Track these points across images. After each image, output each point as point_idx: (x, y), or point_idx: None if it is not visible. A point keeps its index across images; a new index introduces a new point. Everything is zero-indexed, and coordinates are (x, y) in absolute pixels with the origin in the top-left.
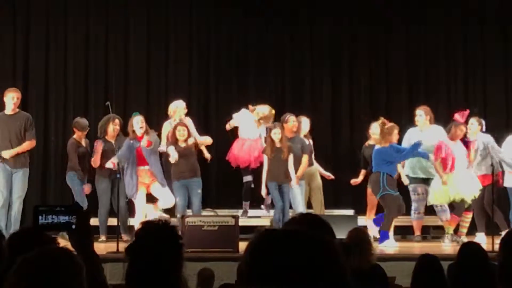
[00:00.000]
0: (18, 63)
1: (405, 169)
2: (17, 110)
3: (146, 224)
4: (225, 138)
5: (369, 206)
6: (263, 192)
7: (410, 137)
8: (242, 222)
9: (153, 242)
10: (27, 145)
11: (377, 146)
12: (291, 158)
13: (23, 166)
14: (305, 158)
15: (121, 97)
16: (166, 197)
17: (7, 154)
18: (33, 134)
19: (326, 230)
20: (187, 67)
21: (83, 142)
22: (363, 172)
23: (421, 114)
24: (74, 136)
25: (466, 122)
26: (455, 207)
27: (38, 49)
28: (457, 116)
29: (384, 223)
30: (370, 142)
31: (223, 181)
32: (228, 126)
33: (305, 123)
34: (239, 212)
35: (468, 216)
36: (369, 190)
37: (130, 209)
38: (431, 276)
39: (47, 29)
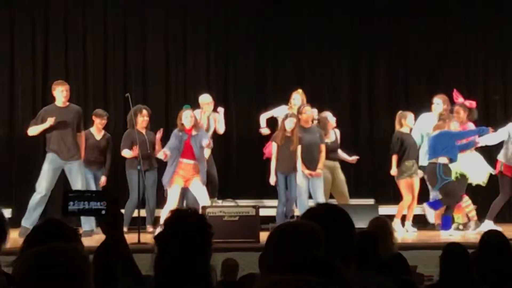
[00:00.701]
0: (37, 57)
1: (420, 158)
2: (68, 103)
3: (176, 213)
4: (245, 130)
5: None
6: (272, 180)
7: (422, 122)
8: (263, 212)
9: (183, 230)
10: (83, 138)
11: (434, 133)
12: (299, 149)
13: (78, 158)
14: (323, 148)
15: (140, 89)
16: (203, 197)
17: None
18: (82, 126)
19: (344, 220)
20: (205, 57)
21: (100, 135)
22: (395, 157)
23: (439, 103)
24: (91, 128)
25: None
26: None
27: (57, 42)
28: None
29: (448, 211)
30: (403, 130)
31: (244, 171)
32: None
33: (331, 118)
34: (260, 202)
35: (465, 200)
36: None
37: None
38: (458, 265)
39: (65, 22)
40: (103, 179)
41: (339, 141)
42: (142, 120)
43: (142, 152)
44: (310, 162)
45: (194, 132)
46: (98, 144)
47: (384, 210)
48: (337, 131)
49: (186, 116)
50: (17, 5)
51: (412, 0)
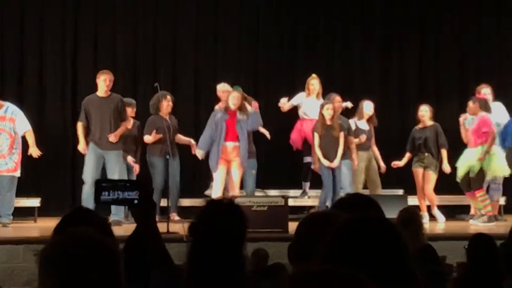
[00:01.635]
0: (67, 45)
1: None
2: (109, 92)
3: (211, 203)
4: (273, 120)
5: (419, 187)
6: (315, 166)
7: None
8: (292, 202)
9: (218, 221)
10: (125, 125)
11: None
12: (341, 137)
13: (116, 149)
14: (351, 140)
15: (170, 79)
16: (234, 183)
17: (113, 137)
18: (126, 115)
19: (375, 210)
20: (236, 48)
21: (131, 124)
22: (408, 155)
23: (489, 92)
24: None
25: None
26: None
27: (87, 32)
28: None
29: None
30: (420, 125)
31: (272, 161)
32: (283, 103)
33: (367, 107)
34: (290, 192)
35: (480, 194)
36: (416, 170)
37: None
38: (485, 256)
39: (96, 14)
40: (136, 167)
41: (372, 132)
42: (167, 105)
43: (165, 138)
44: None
45: (240, 116)
46: (129, 133)
47: (413, 200)
48: (372, 126)
49: (233, 97)
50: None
51: None
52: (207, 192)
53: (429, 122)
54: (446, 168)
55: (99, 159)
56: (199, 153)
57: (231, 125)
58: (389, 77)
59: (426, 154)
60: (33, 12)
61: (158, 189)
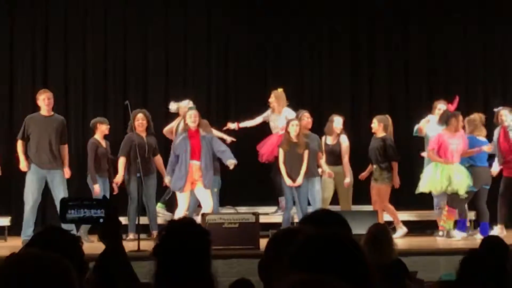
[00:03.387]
0: (37, 63)
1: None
2: (52, 112)
3: (171, 223)
4: (243, 136)
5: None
6: (288, 182)
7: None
8: (263, 219)
9: (181, 240)
10: (66, 150)
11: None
12: (306, 154)
13: (59, 167)
14: (321, 155)
15: (140, 95)
16: (206, 202)
17: (67, 174)
18: (66, 138)
19: (341, 226)
20: (205, 65)
21: (103, 143)
22: (369, 167)
23: (441, 108)
24: (95, 136)
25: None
26: (449, 199)
27: (57, 50)
28: (450, 106)
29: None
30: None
31: (243, 178)
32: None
33: (338, 122)
34: (259, 209)
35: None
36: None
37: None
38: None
39: (65, 29)
40: (114, 187)
41: (343, 147)
42: (137, 123)
43: (140, 156)
44: (310, 169)
45: (203, 133)
46: (105, 151)
47: (385, 217)
48: (344, 137)
49: (190, 116)
50: (17, 13)
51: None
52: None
53: (380, 134)
54: (395, 181)
55: (41, 180)
56: (167, 179)
57: (194, 144)
58: (359, 91)
59: (374, 166)
60: (3, 34)
61: (133, 208)
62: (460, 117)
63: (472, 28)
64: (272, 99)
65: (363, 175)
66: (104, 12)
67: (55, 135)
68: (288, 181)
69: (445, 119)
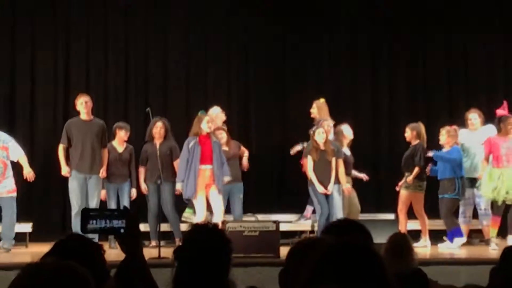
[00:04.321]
0: (58, 69)
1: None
2: (92, 116)
3: (195, 228)
4: (264, 145)
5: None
6: (320, 189)
7: (462, 139)
8: (283, 227)
9: (203, 245)
10: (106, 154)
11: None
12: (334, 161)
13: (97, 172)
14: (340, 163)
15: (161, 103)
16: (219, 207)
17: (104, 173)
18: (106, 142)
19: (364, 236)
20: (226, 71)
21: (120, 148)
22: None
23: (476, 118)
24: (113, 141)
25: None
26: (494, 207)
27: (79, 56)
28: (499, 111)
29: None
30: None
31: (264, 186)
32: (292, 151)
33: (347, 131)
34: (280, 217)
35: None
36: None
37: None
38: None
39: (87, 35)
40: (133, 192)
41: (351, 156)
42: (155, 131)
43: (153, 164)
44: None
45: (214, 138)
46: (120, 157)
47: (413, 225)
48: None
49: (208, 121)
50: (38, 22)
51: (430, 14)
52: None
53: (414, 142)
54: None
55: (83, 185)
56: (178, 185)
57: (204, 149)
58: (379, 96)
59: (406, 174)
60: (25, 39)
61: (153, 215)
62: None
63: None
64: (314, 109)
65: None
66: (125, 20)
67: (97, 139)
68: (320, 189)
69: (496, 125)
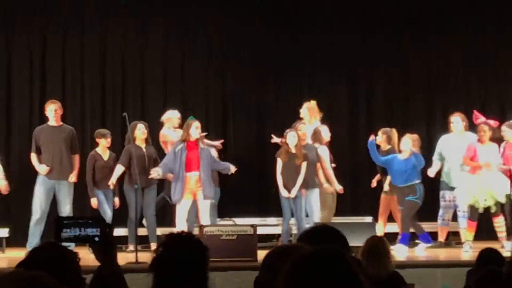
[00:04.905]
0: (34, 77)
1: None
2: (61, 122)
3: (170, 237)
4: (242, 147)
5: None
6: (284, 193)
7: (443, 144)
8: (261, 231)
9: (178, 255)
10: (77, 160)
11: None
12: (304, 166)
13: (67, 178)
14: (323, 165)
15: (138, 108)
16: (205, 214)
17: (74, 179)
18: (77, 148)
19: (341, 242)
20: (205, 77)
21: (105, 156)
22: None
23: (458, 121)
24: (97, 148)
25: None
26: (471, 212)
27: (55, 60)
28: (476, 121)
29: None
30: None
31: (241, 189)
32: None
33: (325, 132)
34: (258, 220)
35: (497, 220)
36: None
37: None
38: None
39: (64, 40)
40: (116, 201)
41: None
42: (140, 133)
43: (139, 167)
44: (306, 181)
45: (202, 145)
46: (106, 164)
47: (392, 228)
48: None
49: (195, 127)
50: (15, 22)
51: (412, 18)
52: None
53: (384, 146)
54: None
55: (49, 191)
56: (155, 171)
57: (192, 156)
58: (357, 103)
59: (384, 178)
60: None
61: (132, 219)
62: (482, 127)
63: (471, 44)
64: (303, 110)
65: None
66: (102, 24)
67: (65, 145)
68: (284, 193)
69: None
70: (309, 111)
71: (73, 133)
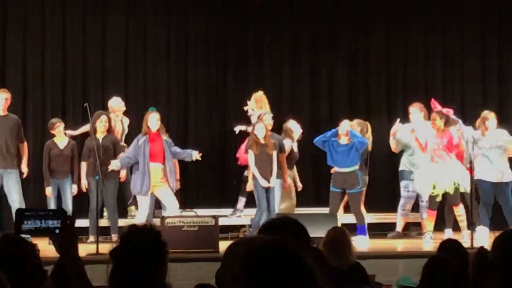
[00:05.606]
0: None
1: (401, 165)
2: (7, 112)
3: (132, 228)
4: (203, 138)
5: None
6: (249, 186)
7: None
8: (222, 221)
9: (138, 247)
10: (26, 148)
11: None
12: (275, 155)
13: (15, 167)
14: (283, 157)
15: (99, 97)
16: (173, 205)
17: (24, 170)
18: (23, 137)
19: (302, 234)
20: (166, 66)
21: (61, 144)
22: None
23: (415, 111)
24: (54, 138)
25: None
26: (430, 201)
27: (16, 49)
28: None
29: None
30: None
31: (202, 180)
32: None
33: (295, 127)
34: (220, 211)
35: (458, 209)
36: None
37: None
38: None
39: (25, 29)
40: (74, 188)
41: (297, 153)
42: (100, 125)
43: (98, 158)
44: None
45: (164, 136)
46: (61, 152)
47: (344, 219)
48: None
49: (154, 119)
50: None
51: (371, 7)
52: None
53: None
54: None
55: None
56: (113, 164)
57: (154, 147)
58: (320, 94)
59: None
60: None
61: (93, 210)
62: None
63: (433, 28)
64: (251, 102)
65: None
66: (63, 13)
67: (11, 134)
68: (263, 183)
69: None
70: (256, 102)
71: (18, 122)
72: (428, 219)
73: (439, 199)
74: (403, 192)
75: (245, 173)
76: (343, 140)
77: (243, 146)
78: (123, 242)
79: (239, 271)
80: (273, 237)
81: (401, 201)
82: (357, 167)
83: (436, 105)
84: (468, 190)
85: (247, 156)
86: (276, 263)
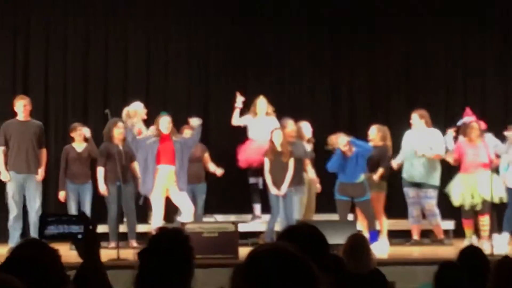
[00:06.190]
0: (17, 71)
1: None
2: (29, 118)
3: (161, 230)
4: (224, 144)
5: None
6: (274, 191)
7: (406, 139)
8: (242, 228)
9: (166, 249)
10: (45, 155)
11: None
12: (291, 163)
13: (37, 173)
14: (308, 162)
15: (120, 103)
16: (187, 208)
17: (40, 176)
18: (44, 142)
19: (320, 241)
20: (186, 72)
21: (79, 148)
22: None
23: (415, 118)
24: (73, 142)
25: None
26: (462, 211)
27: (38, 55)
28: (466, 118)
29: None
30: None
31: (223, 186)
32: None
33: (306, 128)
34: (240, 217)
35: (483, 219)
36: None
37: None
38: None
39: (47, 37)
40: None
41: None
42: (118, 132)
43: (115, 165)
44: (295, 178)
45: (175, 138)
46: (78, 156)
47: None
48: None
49: (163, 122)
50: None
51: (393, 18)
52: (179, 218)
53: (378, 143)
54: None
55: (21, 187)
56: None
57: (165, 149)
58: (339, 98)
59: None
60: None
61: (113, 216)
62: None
63: (454, 36)
64: (254, 106)
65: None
66: (86, 20)
67: (34, 139)
68: (274, 190)
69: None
70: (256, 107)
71: (41, 127)
72: (465, 228)
73: (479, 207)
74: (406, 200)
75: (250, 180)
76: (347, 152)
77: (244, 149)
78: (152, 244)
79: (239, 279)
80: (294, 244)
81: (409, 209)
82: (363, 175)
83: (470, 114)
84: (505, 200)
85: (247, 159)
86: (275, 267)
